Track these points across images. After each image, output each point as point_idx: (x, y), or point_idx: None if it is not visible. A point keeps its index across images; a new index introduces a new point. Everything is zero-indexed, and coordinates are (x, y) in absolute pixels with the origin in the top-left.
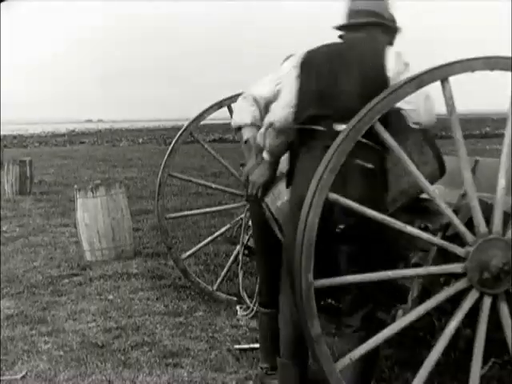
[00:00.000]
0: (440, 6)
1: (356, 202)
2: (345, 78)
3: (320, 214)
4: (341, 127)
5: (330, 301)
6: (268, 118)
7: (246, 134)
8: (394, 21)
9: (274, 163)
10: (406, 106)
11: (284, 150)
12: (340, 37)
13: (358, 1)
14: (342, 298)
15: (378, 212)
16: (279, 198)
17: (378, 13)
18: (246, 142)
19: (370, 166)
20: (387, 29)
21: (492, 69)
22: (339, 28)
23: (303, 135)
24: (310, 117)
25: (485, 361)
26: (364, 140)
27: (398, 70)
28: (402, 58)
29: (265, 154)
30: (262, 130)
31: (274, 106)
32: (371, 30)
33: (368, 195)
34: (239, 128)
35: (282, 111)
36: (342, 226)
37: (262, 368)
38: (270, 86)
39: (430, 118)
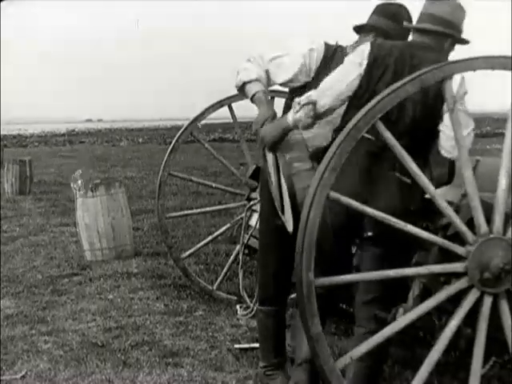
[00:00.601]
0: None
1: (389, 214)
2: (418, 95)
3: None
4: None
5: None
6: (313, 97)
7: (254, 88)
8: (461, 32)
9: (289, 130)
10: None
11: (307, 127)
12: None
13: (434, 6)
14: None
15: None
16: (295, 173)
17: (454, 23)
18: (253, 95)
19: (407, 180)
20: (455, 40)
21: (493, 68)
22: (409, 29)
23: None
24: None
25: (485, 360)
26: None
27: (459, 95)
28: (465, 84)
29: (289, 117)
30: (302, 100)
31: (323, 88)
32: (441, 38)
33: (401, 208)
34: (242, 87)
35: (330, 100)
36: (370, 234)
37: (261, 367)
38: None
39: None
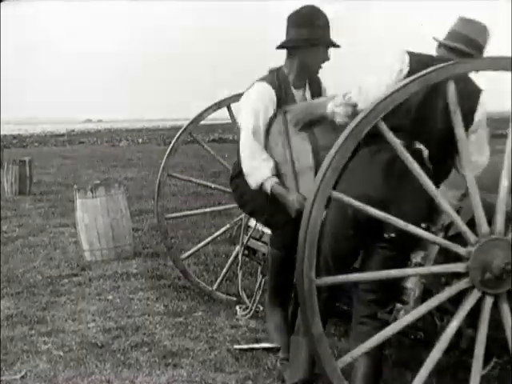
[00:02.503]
0: (440, 5)
1: (410, 219)
2: (440, 101)
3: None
4: (419, 145)
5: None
6: (354, 98)
7: (269, 183)
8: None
9: (325, 118)
10: None
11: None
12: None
13: (467, 26)
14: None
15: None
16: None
17: (482, 46)
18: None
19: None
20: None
21: (495, 69)
22: (440, 43)
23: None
24: (394, 126)
25: (486, 361)
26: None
27: (481, 119)
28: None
29: (329, 107)
30: (346, 97)
31: (365, 91)
32: (465, 57)
33: (423, 214)
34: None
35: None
36: (392, 235)
37: (281, 359)
38: None
39: None
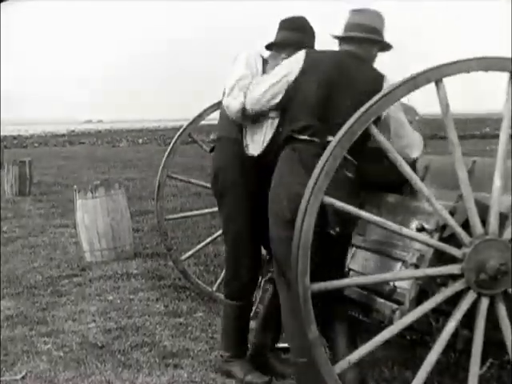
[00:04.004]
0: (439, 5)
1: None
2: (345, 95)
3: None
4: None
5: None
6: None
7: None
8: (383, 37)
9: None
10: None
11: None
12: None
13: (359, 15)
14: None
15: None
16: None
17: (377, 29)
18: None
19: (351, 175)
20: (381, 45)
21: (487, 70)
22: (338, 38)
23: (287, 139)
24: (303, 127)
25: (482, 361)
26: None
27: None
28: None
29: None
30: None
31: (251, 93)
32: (367, 45)
33: (347, 200)
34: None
35: (258, 107)
36: (338, 229)
37: (221, 356)
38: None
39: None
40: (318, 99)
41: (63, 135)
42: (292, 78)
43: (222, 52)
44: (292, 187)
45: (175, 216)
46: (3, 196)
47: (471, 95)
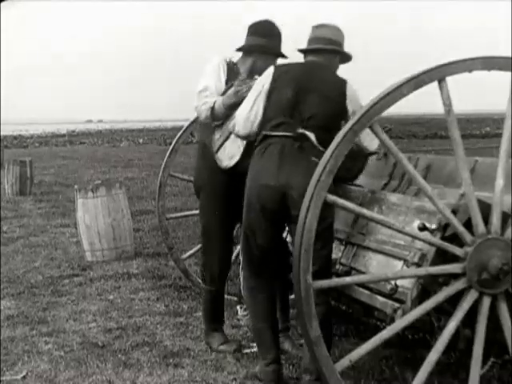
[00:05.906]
0: (439, 5)
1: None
2: (312, 95)
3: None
4: (302, 131)
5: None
6: (233, 126)
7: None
8: (343, 49)
9: None
10: None
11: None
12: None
13: (320, 30)
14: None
15: None
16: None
17: (336, 41)
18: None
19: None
20: (341, 55)
21: (489, 69)
22: (303, 51)
23: (263, 138)
24: (277, 124)
25: (483, 361)
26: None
27: (355, 108)
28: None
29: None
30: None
31: (238, 117)
32: (329, 55)
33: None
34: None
35: (246, 124)
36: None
37: (204, 329)
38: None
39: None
40: (288, 101)
41: (64, 135)
42: (266, 88)
43: (222, 52)
44: (278, 178)
45: (176, 215)
46: (3, 196)
47: (471, 95)
